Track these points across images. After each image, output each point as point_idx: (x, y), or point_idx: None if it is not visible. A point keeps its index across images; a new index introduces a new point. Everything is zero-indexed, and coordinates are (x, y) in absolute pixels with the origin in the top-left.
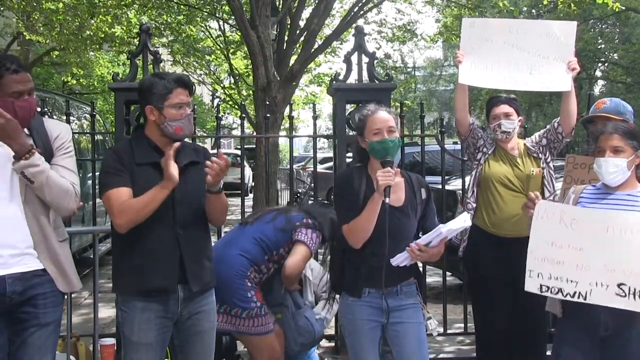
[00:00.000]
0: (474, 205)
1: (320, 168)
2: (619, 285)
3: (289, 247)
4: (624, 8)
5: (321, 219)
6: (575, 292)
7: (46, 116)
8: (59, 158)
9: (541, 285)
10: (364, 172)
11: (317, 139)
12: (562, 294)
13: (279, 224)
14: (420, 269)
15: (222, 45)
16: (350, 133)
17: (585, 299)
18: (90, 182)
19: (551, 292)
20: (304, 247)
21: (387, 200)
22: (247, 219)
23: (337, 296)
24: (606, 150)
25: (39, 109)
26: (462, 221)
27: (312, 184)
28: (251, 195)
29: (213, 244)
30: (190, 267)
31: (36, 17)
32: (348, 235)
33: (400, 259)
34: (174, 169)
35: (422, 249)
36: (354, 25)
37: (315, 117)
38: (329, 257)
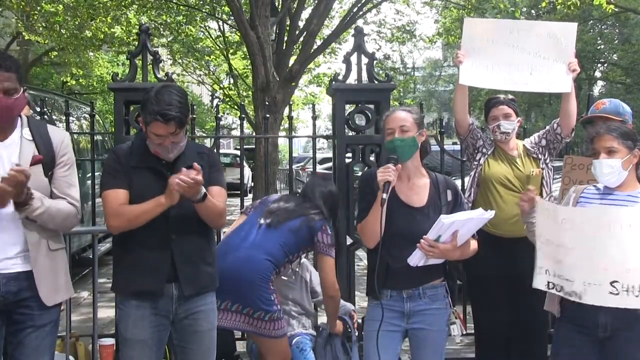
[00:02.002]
0: (470, 205)
1: (319, 168)
2: (611, 284)
3: (307, 250)
4: (616, 10)
5: (326, 200)
6: (572, 292)
7: (46, 117)
8: (61, 171)
9: (548, 282)
10: None
11: (317, 139)
12: (563, 292)
13: (302, 234)
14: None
15: (221, 46)
16: (350, 133)
17: (580, 298)
18: (89, 182)
19: (556, 289)
20: (328, 260)
21: (384, 196)
22: (271, 222)
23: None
24: (600, 151)
25: (38, 109)
26: (479, 214)
27: None
28: (250, 196)
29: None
30: (183, 271)
31: (35, 18)
32: (361, 235)
33: (415, 258)
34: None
35: (431, 244)
36: (353, 25)
37: (314, 118)
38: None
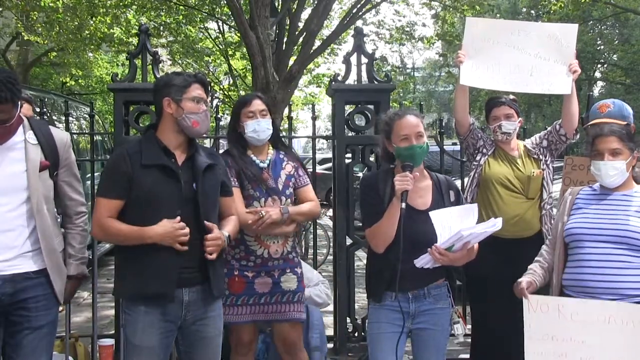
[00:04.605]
0: None
1: (319, 169)
2: None
3: None
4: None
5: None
6: None
7: (45, 117)
8: (67, 174)
9: None
10: (391, 176)
11: (316, 139)
12: None
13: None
14: None
15: (221, 46)
16: (350, 134)
17: None
18: (89, 182)
19: None
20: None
21: (403, 205)
22: None
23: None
24: (604, 153)
25: (38, 109)
26: (491, 225)
27: None
28: None
29: None
30: (214, 272)
31: (35, 18)
32: (370, 240)
33: (424, 261)
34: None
35: (442, 252)
36: (352, 26)
37: (314, 118)
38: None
